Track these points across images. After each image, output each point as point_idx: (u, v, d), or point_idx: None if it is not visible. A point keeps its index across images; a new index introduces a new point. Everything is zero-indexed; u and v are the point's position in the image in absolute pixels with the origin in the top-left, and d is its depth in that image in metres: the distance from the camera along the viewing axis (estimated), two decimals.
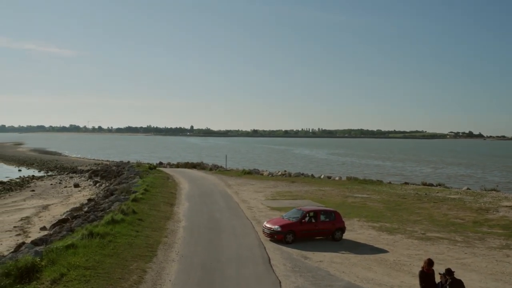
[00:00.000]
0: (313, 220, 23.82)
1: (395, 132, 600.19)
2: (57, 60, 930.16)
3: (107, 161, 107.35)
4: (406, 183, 52.79)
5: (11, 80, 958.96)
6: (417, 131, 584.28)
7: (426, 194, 40.34)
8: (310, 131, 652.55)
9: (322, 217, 23.98)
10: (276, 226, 23.06)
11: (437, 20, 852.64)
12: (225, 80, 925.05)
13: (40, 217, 35.70)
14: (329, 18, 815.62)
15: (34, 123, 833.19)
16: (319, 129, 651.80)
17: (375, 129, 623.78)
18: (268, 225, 23.54)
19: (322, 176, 56.79)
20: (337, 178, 54.69)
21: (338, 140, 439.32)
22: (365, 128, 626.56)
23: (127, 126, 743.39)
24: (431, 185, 50.78)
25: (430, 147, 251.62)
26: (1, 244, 27.12)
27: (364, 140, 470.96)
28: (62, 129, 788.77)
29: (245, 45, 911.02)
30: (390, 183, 52.70)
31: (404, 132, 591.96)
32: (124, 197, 33.10)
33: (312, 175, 58.36)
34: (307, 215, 23.83)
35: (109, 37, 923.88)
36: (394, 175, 78.50)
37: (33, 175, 74.43)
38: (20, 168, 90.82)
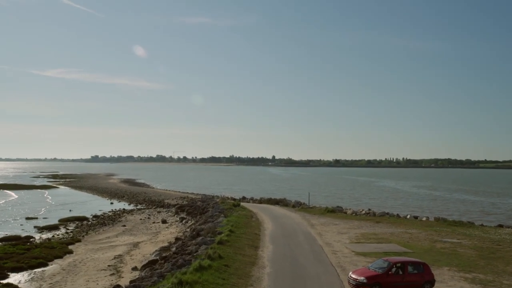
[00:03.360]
0: (401, 272, 23.18)
1: (486, 161, 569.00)
2: (146, 94, 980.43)
3: (192, 193, 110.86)
4: (500, 226, 49.82)
5: (105, 113, 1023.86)
6: (511, 161, 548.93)
7: None
8: (394, 160, 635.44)
9: (410, 269, 23.29)
10: (362, 278, 22.69)
11: None
12: (307, 109, 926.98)
13: (131, 256, 37.51)
14: (408, 44, 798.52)
15: (124, 153, 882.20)
16: (403, 158, 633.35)
17: (463, 158, 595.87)
18: (353, 276, 23.22)
19: (408, 216, 55.04)
20: (424, 219, 52.75)
21: (424, 171, 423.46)
22: (452, 157, 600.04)
23: (210, 156, 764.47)
24: None
25: None
26: (97, 284, 28.83)
27: (452, 170, 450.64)
28: (150, 159, 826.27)
29: (327, 76, 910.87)
30: (482, 225, 49.99)
31: (496, 162, 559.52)
32: (210, 239, 34.02)
33: (397, 214, 56.73)
34: (394, 266, 23.28)
35: (189, 70, 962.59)
36: (488, 213, 74.42)
37: (123, 209, 78.46)
38: (112, 200, 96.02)
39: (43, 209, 77.51)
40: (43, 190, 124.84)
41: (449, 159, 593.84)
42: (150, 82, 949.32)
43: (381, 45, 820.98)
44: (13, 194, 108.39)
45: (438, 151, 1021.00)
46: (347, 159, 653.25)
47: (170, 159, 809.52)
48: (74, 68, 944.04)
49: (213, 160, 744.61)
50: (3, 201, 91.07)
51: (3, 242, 44.71)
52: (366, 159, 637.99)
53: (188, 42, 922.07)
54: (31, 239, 47.12)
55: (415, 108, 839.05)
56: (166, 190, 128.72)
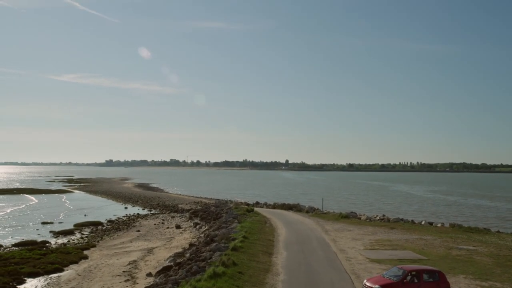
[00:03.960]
0: (416, 280, 23.01)
1: (502, 166, 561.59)
2: (159, 98, 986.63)
3: (206, 198, 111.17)
4: None
5: (119, 118, 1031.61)
6: None
7: None
8: (408, 164, 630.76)
9: (425, 277, 23.12)
10: (377, 286, 22.55)
11: None
12: (320, 114, 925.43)
13: (146, 262, 37.70)
14: (423, 48, 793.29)
15: (138, 157, 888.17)
16: (417, 162, 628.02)
17: (479, 162, 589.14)
18: (368, 284, 23.10)
19: (423, 222, 54.61)
20: (439, 225, 52.30)
21: (439, 175, 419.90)
22: (468, 161, 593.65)
23: (223, 160, 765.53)
24: None
25: None
26: None
27: (468, 174, 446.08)
28: (163, 163, 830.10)
29: (341, 80, 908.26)
30: (499, 232, 49.40)
31: None
32: (224, 245, 34.10)
33: (412, 220, 56.33)
34: (409, 274, 23.13)
35: (203, 75, 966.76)
36: (505, 220, 73.51)
37: (138, 214, 78.92)
38: (126, 205, 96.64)
39: (61, 213, 78.39)
40: (60, 195, 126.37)
41: (464, 163, 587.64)
42: (163, 86, 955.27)
43: (396, 49, 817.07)
44: (33, 199, 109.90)
45: (453, 155, 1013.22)
46: (360, 163, 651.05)
47: (184, 163, 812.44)
48: (88, 73, 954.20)
49: (227, 164, 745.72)
50: (24, 206, 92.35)
51: (20, 247, 45.26)
52: (380, 163, 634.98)
53: (202, 47, 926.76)
54: (47, 244, 47.63)
55: (429, 112, 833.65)
56: (180, 194, 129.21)
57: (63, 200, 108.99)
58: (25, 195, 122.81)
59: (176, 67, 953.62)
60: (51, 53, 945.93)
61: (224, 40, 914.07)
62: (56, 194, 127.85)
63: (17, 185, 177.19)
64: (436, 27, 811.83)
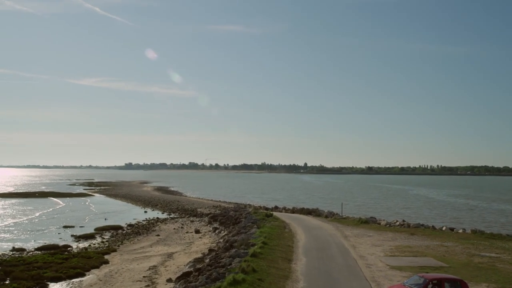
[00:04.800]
0: None
1: None
2: (178, 101, 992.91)
3: (224, 202, 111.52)
4: None
5: (138, 121, 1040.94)
6: None
7: None
8: (428, 168, 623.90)
9: (446, 286, 22.85)
10: None
11: None
12: (339, 116, 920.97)
13: (166, 267, 37.98)
14: (446, 50, 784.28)
15: (157, 160, 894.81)
16: (438, 165, 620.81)
17: (501, 165, 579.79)
18: None
19: (444, 228, 53.97)
20: (460, 231, 51.64)
21: (460, 178, 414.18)
22: (490, 164, 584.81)
23: (242, 163, 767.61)
24: None
25: None
26: None
27: (490, 178, 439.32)
28: (182, 166, 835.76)
29: (361, 84, 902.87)
30: None
31: None
32: (243, 251, 34.19)
33: (432, 226, 55.68)
34: (430, 283, 22.91)
35: (220, 76, 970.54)
36: None
37: (157, 218, 79.50)
38: (145, 209, 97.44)
39: (87, 217, 79.51)
40: (84, 198, 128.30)
41: (486, 166, 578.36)
42: (183, 90, 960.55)
43: (416, 51, 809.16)
44: (60, 202, 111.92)
45: (475, 158, 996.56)
46: (380, 166, 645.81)
47: (202, 166, 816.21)
48: (108, 77, 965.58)
49: (245, 167, 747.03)
50: (51, 209, 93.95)
51: (43, 251, 46.03)
52: (399, 166, 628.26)
53: (221, 50, 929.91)
54: (68, 248, 48.30)
55: (450, 113, 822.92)
56: (199, 198, 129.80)
57: (87, 203, 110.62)
58: (51, 198, 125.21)
59: (194, 71, 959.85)
60: (72, 57, 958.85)
61: (241, 44, 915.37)
62: (81, 198, 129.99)
63: (43, 188, 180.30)
64: (452, 28, 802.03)
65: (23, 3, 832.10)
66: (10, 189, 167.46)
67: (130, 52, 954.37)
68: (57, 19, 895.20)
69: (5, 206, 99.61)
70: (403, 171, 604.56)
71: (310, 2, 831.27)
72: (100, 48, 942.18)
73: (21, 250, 47.14)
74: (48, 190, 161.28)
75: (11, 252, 45.88)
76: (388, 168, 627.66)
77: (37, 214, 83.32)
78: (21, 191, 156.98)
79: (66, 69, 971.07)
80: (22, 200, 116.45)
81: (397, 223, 57.39)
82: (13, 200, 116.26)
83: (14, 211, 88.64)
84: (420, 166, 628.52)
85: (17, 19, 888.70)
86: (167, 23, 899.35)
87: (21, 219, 75.68)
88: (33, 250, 47.36)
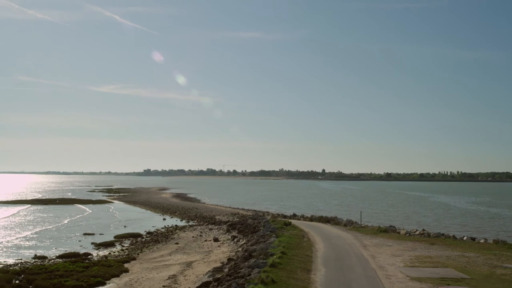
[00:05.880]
0: None
1: None
2: (196, 107, 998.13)
3: (243, 209, 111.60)
4: None
5: (157, 127, 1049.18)
6: None
7: None
8: (448, 174, 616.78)
9: None
10: None
11: None
12: (357, 123, 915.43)
13: (185, 276, 38.17)
14: (466, 55, 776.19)
15: (175, 167, 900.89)
16: (458, 172, 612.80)
17: None
18: None
19: (465, 238, 53.25)
20: (482, 241, 50.91)
21: (481, 185, 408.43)
22: (511, 171, 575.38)
23: (260, 169, 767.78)
24: None
25: None
26: None
27: (511, 184, 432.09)
28: (200, 173, 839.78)
29: (378, 89, 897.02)
30: None
31: None
32: (262, 262, 34.22)
33: (453, 236, 54.97)
34: None
35: (239, 82, 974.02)
36: None
37: (176, 225, 79.91)
38: (164, 216, 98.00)
39: (111, 225, 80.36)
40: (107, 205, 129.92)
41: (507, 172, 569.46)
42: (201, 96, 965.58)
43: (434, 57, 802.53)
44: (86, 209, 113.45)
45: (496, 164, 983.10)
46: (398, 172, 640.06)
47: (220, 173, 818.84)
48: (127, 84, 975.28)
49: (263, 173, 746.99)
50: (79, 216, 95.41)
51: (64, 259, 46.62)
52: (418, 172, 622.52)
53: (240, 57, 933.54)
54: (89, 256, 48.86)
55: (470, 119, 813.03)
56: (217, 205, 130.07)
57: (110, 210, 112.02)
58: (77, 205, 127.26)
59: (212, 78, 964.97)
60: (91, 64, 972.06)
61: (261, 51, 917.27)
62: (105, 205, 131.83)
63: (69, 195, 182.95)
64: (476, 33, 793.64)
65: (44, 12, 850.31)
66: (38, 196, 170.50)
67: (148, 59, 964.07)
68: (77, 28, 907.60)
69: (33, 213, 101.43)
70: (422, 177, 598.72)
71: (330, 8, 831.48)
72: (118, 55, 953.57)
73: (43, 257, 47.83)
74: (73, 197, 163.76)
75: (33, 260, 46.60)
76: (407, 174, 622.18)
77: (65, 222, 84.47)
78: (47, 197, 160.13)
79: (85, 76, 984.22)
80: (49, 207, 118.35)
81: (417, 232, 56.81)
82: (39, 207, 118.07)
83: (41, 219, 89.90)
84: (439, 172, 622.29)
85: (38, 28, 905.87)
86: (186, 31, 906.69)
87: (48, 227, 76.73)
88: (54, 258, 48.00)
